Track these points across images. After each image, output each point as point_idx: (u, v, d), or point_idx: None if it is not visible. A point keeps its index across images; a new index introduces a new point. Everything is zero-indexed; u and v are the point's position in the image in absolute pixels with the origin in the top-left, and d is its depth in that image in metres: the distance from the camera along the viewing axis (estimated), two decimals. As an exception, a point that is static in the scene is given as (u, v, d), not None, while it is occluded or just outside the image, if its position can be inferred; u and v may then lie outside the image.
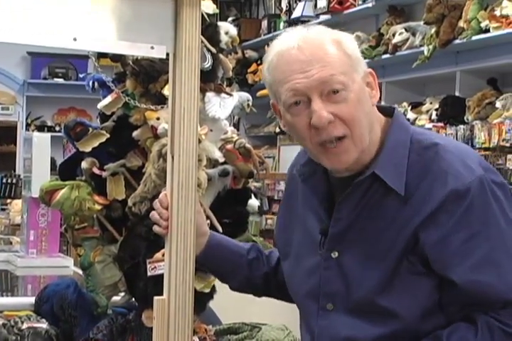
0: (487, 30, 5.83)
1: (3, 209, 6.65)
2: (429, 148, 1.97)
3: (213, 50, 2.83)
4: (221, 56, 2.91)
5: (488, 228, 1.90)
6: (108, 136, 2.96)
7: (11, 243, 5.52)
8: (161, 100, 2.86)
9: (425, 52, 6.34)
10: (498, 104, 5.93)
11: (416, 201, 1.93)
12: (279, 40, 1.99)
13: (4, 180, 7.11)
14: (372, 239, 1.97)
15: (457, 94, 6.39)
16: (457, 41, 6.08)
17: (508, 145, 5.65)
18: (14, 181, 7.20)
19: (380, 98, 7.40)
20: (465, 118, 6.15)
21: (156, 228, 2.09)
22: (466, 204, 1.89)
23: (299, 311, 2.18)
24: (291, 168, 2.24)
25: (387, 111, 2.05)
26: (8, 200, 6.80)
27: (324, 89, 1.90)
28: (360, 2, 7.50)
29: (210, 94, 2.84)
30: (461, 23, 6.04)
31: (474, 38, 5.92)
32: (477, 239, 1.89)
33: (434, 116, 6.52)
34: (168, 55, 2.05)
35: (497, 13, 5.77)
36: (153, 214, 2.09)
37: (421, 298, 1.93)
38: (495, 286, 1.89)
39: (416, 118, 6.77)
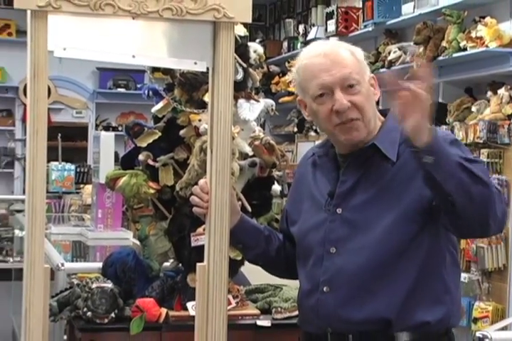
0: (465, 49, 5.80)
1: (78, 193, 6.67)
2: None
3: (244, 65, 2.82)
4: (250, 70, 2.90)
5: None
6: (160, 134, 2.96)
7: (83, 219, 5.55)
8: (202, 105, 2.85)
9: (415, 67, 6.29)
10: (473, 109, 5.91)
11: (404, 166, 2.03)
12: (308, 50, 2.16)
13: (78, 169, 7.12)
14: (372, 196, 2.07)
15: (440, 100, 6.35)
16: (440, 58, 6.04)
17: (481, 141, 5.62)
18: (86, 170, 7.21)
19: (378, 103, 7.33)
20: (447, 120, 6.12)
21: (196, 209, 2.13)
22: None
23: (303, 263, 2.20)
24: (302, 159, 2.36)
25: (385, 112, 2.19)
26: (82, 185, 6.81)
27: (344, 84, 2.05)
28: (362, 27, 7.47)
29: (241, 101, 2.83)
30: (444, 43, 6.01)
31: (454, 55, 5.88)
32: None
33: (421, 118, 6.47)
34: (208, 68, 2.04)
35: (473, 35, 5.73)
36: (194, 198, 2.12)
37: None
38: None
39: (407, 120, 6.72)
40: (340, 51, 2.10)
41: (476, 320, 5.57)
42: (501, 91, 5.67)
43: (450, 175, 1.87)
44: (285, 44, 9.29)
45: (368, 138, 2.10)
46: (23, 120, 9.43)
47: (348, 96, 2.05)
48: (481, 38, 5.65)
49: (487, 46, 5.60)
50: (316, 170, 2.23)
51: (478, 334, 2.34)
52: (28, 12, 1.88)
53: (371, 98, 2.12)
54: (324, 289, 2.09)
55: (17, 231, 7.24)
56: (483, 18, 5.72)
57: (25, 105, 8.77)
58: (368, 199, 2.07)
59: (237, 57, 2.62)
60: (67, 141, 8.09)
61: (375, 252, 2.03)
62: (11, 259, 8.23)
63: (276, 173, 3.10)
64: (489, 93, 5.82)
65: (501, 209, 1.93)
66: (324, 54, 2.09)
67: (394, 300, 2.03)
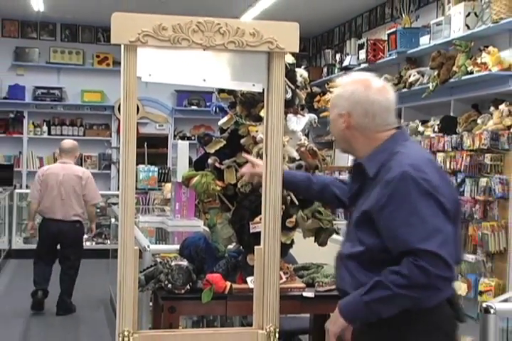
0: (472, 73, 5.73)
1: (160, 189, 6.71)
2: (395, 153, 2.04)
3: (292, 86, 2.80)
4: (297, 90, 2.87)
5: (407, 204, 1.93)
6: (225, 142, 2.96)
7: (164, 210, 5.59)
8: (258, 119, 2.84)
9: (430, 88, 6.23)
10: (479, 121, 5.84)
11: (375, 183, 2.02)
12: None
13: (160, 171, 7.16)
14: (361, 202, 2.08)
15: (452, 114, 6.27)
16: (451, 80, 5.97)
17: (485, 147, 5.55)
18: (166, 171, 7.24)
19: (400, 117, 7.25)
20: (457, 130, 6.04)
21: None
22: (391, 189, 1.95)
23: None
24: None
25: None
26: (163, 183, 6.86)
27: None
28: (387, 55, 7.40)
29: (290, 115, 2.81)
30: (454, 68, 5.94)
31: (463, 77, 5.81)
32: (399, 211, 1.93)
33: (436, 129, 6.40)
34: (263, 89, 2.03)
35: (478, 61, 5.68)
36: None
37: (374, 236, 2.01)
38: (406, 239, 1.91)
39: (424, 130, 6.66)
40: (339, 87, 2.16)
41: (481, 293, 5.51)
42: (502, 106, 5.62)
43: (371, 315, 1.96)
44: (325, 70, 9.26)
45: (362, 155, 2.12)
46: (118, 132, 9.54)
47: None
48: (485, 64, 5.59)
49: (490, 70, 5.54)
50: None
51: (484, 305, 2.29)
52: (122, 46, 1.89)
53: (334, 127, 2.17)
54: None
55: (113, 220, 7.34)
56: (487, 47, 5.67)
57: (119, 120, 8.88)
58: (361, 204, 2.08)
59: (286, 80, 2.61)
60: (152, 148, 8.16)
61: (352, 247, 2.06)
62: (108, 242, 8.35)
63: (318, 174, 3.07)
64: (492, 108, 5.76)
65: (424, 281, 1.90)
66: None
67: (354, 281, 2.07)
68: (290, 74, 2.80)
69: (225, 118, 3.00)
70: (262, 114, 2.63)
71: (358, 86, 2.10)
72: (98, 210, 8.92)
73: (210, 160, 2.99)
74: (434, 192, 1.95)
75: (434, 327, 1.99)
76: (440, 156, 6.18)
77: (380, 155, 2.06)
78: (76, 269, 5.85)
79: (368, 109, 2.07)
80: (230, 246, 3.07)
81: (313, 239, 2.86)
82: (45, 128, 9.72)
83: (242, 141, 2.93)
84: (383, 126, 2.09)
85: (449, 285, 1.99)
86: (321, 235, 2.83)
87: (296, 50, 2.02)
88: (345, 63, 8.31)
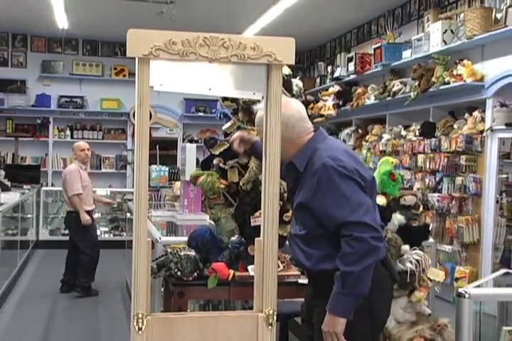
0: (448, 83, 5.74)
1: (170, 187, 6.70)
2: (316, 150, 2.23)
3: (289, 95, 2.80)
4: (293, 98, 2.86)
5: (332, 188, 2.11)
6: (228, 145, 2.95)
7: (174, 206, 5.57)
8: (258, 124, 2.83)
9: (412, 96, 6.23)
10: (455, 126, 5.84)
11: (306, 174, 2.20)
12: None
13: (170, 170, 7.13)
14: (297, 192, 2.26)
15: (431, 120, 6.27)
16: (431, 89, 5.97)
17: (461, 150, 5.57)
18: (176, 171, 7.23)
19: (386, 123, 7.21)
20: (435, 134, 6.04)
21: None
22: (317, 179, 2.14)
23: None
24: None
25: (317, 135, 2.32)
26: (173, 182, 6.84)
27: None
28: (373, 67, 7.39)
29: (287, 121, 2.80)
30: (433, 79, 5.94)
31: (441, 87, 5.81)
32: (327, 195, 2.12)
33: (417, 133, 6.40)
34: (263, 97, 2.02)
35: (454, 72, 5.68)
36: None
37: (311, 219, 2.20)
38: (337, 215, 2.10)
39: (406, 134, 6.65)
40: None
41: (457, 280, 5.51)
42: (475, 113, 5.62)
43: (357, 296, 2.10)
44: (318, 80, 9.25)
45: (292, 154, 2.26)
46: (133, 136, 9.53)
47: None
48: (460, 75, 5.60)
49: (465, 81, 5.55)
50: None
51: (460, 290, 2.28)
52: (136, 59, 1.88)
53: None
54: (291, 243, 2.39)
55: (128, 214, 7.33)
56: (462, 60, 5.68)
57: (134, 125, 8.86)
58: (297, 194, 2.25)
59: (283, 89, 2.60)
60: (163, 150, 8.14)
61: (299, 229, 2.28)
62: (124, 234, 8.34)
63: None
64: (466, 115, 5.77)
65: (364, 248, 2.07)
66: None
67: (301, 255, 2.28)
68: (287, 84, 2.80)
69: (229, 124, 2.99)
70: (262, 119, 2.62)
71: None
72: (115, 205, 8.93)
73: (215, 161, 2.98)
74: (351, 174, 2.13)
75: (372, 286, 2.12)
76: (420, 157, 6.17)
77: (305, 153, 2.24)
78: (86, 255, 5.88)
79: (287, 123, 2.22)
80: (233, 238, 3.06)
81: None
82: (68, 132, 9.75)
83: (244, 143, 2.92)
84: (303, 132, 2.27)
85: (382, 243, 2.13)
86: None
87: (292, 62, 2.01)
88: (336, 74, 8.30)
